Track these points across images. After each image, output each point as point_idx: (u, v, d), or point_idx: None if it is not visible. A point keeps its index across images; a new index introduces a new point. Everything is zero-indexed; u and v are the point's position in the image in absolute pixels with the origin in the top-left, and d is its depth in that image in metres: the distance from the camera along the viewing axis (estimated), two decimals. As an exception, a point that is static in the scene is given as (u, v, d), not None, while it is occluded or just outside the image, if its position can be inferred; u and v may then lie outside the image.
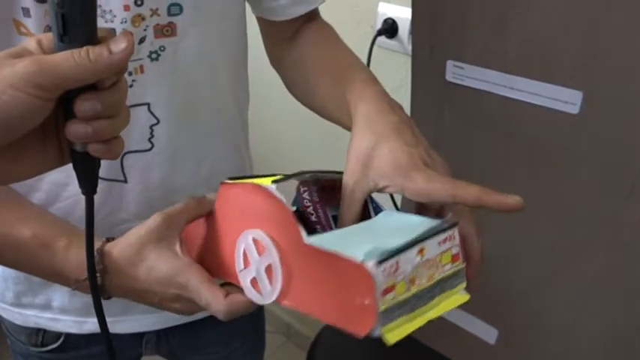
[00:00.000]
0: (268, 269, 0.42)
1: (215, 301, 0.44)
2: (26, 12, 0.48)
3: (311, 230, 0.45)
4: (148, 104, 0.54)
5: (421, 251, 0.38)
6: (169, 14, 0.52)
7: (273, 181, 0.42)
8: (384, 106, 0.50)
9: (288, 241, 0.41)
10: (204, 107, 0.59)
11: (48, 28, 0.48)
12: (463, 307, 0.40)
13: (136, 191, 0.58)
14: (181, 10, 0.52)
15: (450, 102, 0.81)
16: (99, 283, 0.45)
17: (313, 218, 0.47)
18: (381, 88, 0.54)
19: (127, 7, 0.49)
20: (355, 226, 0.45)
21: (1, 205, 0.49)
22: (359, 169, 0.46)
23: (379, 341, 0.36)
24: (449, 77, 0.79)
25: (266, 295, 0.42)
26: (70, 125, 0.35)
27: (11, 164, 0.37)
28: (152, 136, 0.56)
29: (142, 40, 0.51)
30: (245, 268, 0.44)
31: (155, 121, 0.55)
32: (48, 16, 0.47)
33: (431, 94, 0.83)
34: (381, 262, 0.35)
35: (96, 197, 0.39)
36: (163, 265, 0.46)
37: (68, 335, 0.70)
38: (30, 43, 0.35)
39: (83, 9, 0.34)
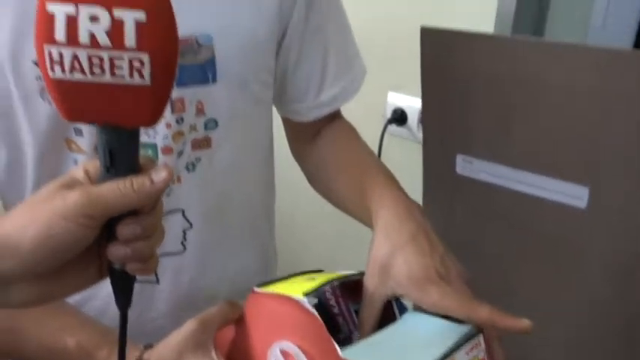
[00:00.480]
0: None
1: None
2: (78, 132, 0.52)
3: (334, 323, 0.48)
4: (183, 210, 0.57)
5: None
6: (206, 129, 0.56)
7: (305, 294, 0.45)
8: (402, 212, 0.53)
9: (320, 352, 0.43)
10: (234, 211, 0.62)
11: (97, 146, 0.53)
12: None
13: (166, 292, 0.60)
14: (217, 124, 0.57)
15: (460, 194, 0.84)
16: None
17: (336, 311, 0.50)
18: (400, 192, 0.57)
19: (168, 125, 0.53)
20: (383, 333, 0.47)
21: (46, 313, 0.51)
22: (377, 275, 0.49)
23: None
24: (459, 170, 0.83)
25: None
26: (111, 247, 0.39)
27: (55, 285, 0.39)
28: (185, 239, 0.59)
29: (180, 154, 0.55)
30: None
31: (188, 226, 0.59)
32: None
33: (442, 185, 0.87)
34: None
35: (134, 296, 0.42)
36: None
37: None
38: (78, 173, 0.39)
39: (129, 144, 0.39)
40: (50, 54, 0.35)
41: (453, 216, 0.86)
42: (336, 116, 0.71)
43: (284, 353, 0.46)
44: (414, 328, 0.47)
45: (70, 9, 0.34)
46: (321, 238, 1.35)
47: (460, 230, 0.85)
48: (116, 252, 0.39)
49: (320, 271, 0.57)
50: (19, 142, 0.53)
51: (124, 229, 0.38)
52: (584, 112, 0.69)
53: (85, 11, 0.34)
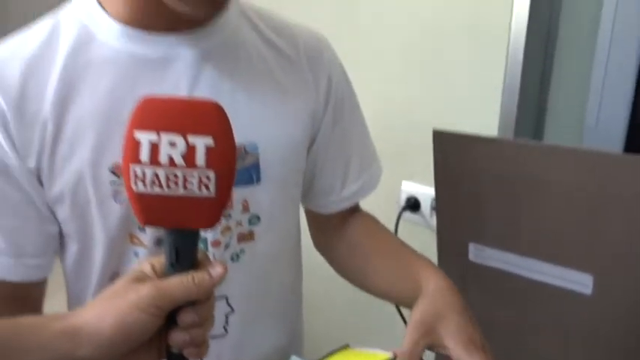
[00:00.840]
0: None
1: None
2: (141, 229, 0.60)
3: None
4: (226, 297, 0.64)
5: None
6: (250, 224, 0.64)
7: None
8: (448, 286, 0.63)
9: None
10: (270, 294, 0.69)
11: (157, 240, 0.60)
12: None
13: None
14: (259, 220, 0.65)
15: (473, 278, 0.90)
16: None
17: None
18: (441, 271, 0.65)
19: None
20: None
21: None
22: (421, 332, 0.57)
23: None
24: (471, 257, 0.90)
25: None
26: (172, 334, 0.46)
27: None
28: (227, 323, 0.65)
29: (227, 246, 0.63)
30: None
31: (230, 310, 0.65)
32: (161, 231, 0.60)
33: (455, 270, 0.93)
34: None
35: None
36: None
37: None
38: (146, 268, 0.47)
39: (191, 244, 0.47)
40: (135, 172, 0.43)
41: (466, 299, 0.91)
42: (356, 207, 0.79)
43: None
44: None
45: (153, 137, 0.43)
46: (331, 306, 1.39)
47: (474, 313, 0.90)
48: (177, 338, 0.46)
49: (347, 345, 0.65)
50: (90, 239, 0.60)
51: (185, 318, 0.45)
52: (584, 208, 0.77)
53: (165, 138, 0.43)
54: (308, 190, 0.74)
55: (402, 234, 1.12)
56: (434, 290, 0.63)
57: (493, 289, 0.88)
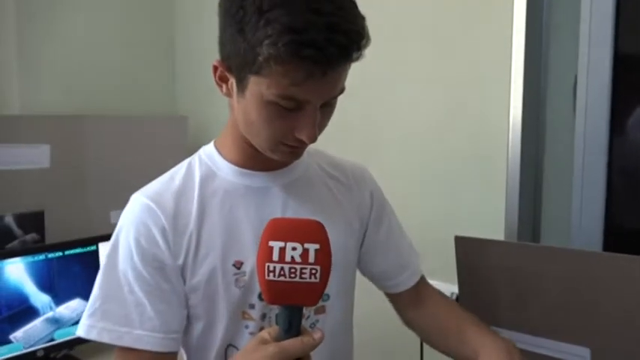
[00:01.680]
0: None
1: None
2: (252, 306, 0.83)
3: None
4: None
5: None
6: (322, 301, 0.87)
7: None
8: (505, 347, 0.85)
9: None
10: (338, 352, 0.90)
11: (263, 315, 0.82)
12: None
13: None
14: (329, 298, 0.87)
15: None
16: None
17: None
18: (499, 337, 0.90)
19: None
20: None
21: None
22: None
23: None
24: (491, 338, 1.10)
25: None
26: None
27: None
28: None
29: (308, 317, 0.85)
30: None
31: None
32: (266, 308, 0.82)
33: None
34: None
35: None
36: None
37: None
38: (265, 335, 0.66)
39: (299, 316, 0.67)
40: (268, 267, 0.65)
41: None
42: (423, 279, 1.02)
43: None
44: None
45: (281, 244, 0.66)
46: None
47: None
48: None
49: None
50: (215, 316, 0.82)
51: None
52: (579, 295, 0.99)
53: (289, 245, 0.66)
54: (373, 277, 1.00)
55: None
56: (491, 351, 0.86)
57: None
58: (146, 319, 0.78)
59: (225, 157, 0.86)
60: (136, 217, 0.81)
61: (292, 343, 0.64)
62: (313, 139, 0.76)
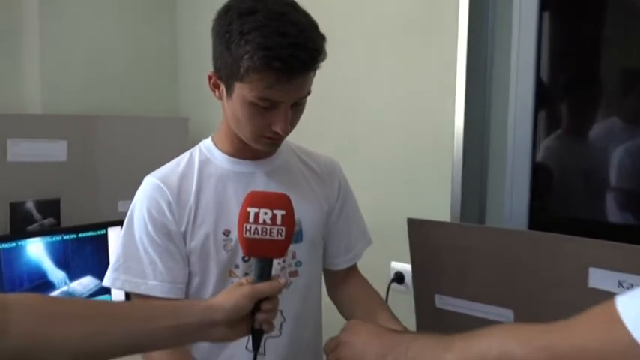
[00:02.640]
0: None
1: None
2: (237, 266, 1.05)
3: None
4: (281, 310, 1.07)
5: None
6: (295, 266, 1.09)
7: None
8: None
9: None
10: (310, 310, 1.12)
11: (245, 274, 1.04)
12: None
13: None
14: (301, 264, 1.10)
15: (439, 320, 1.32)
16: None
17: None
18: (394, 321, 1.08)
19: (279, 263, 1.06)
20: None
21: None
22: None
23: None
24: (437, 305, 1.32)
25: None
26: (257, 315, 0.84)
27: (232, 331, 0.83)
28: (281, 328, 1.07)
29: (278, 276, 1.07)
30: None
31: (283, 320, 1.08)
32: (248, 268, 1.04)
33: (429, 314, 1.35)
34: None
35: None
36: None
37: None
38: (242, 280, 0.86)
39: (269, 266, 0.87)
40: (245, 227, 0.87)
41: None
42: (355, 269, 1.24)
43: None
44: None
45: (256, 210, 0.87)
46: None
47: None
48: (259, 317, 0.84)
49: None
50: (207, 274, 1.04)
51: (265, 305, 0.84)
52: (506, 266, 1.21)
53: (262, 211, 0.87)
54: (325, 252, 1.20)
55: (392, 299, 1.55)
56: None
57: (453, 325, 1.30)
58: (158, 273, 1.00)
59: (219, 149, 1.09)
60: (148, 194, 1.03)
61: (263, 285, 0.84)
62: (286, 132, 0.98)
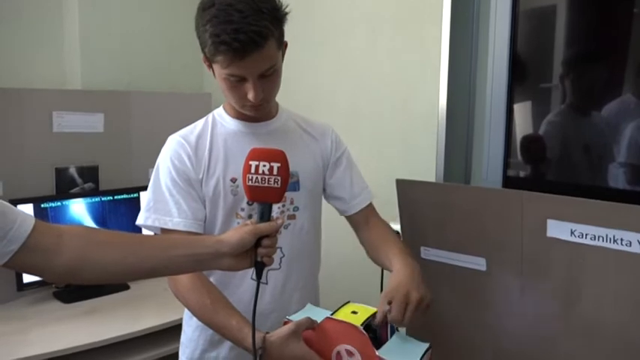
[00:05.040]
0: None
1: None
2: (242, 209, 1.25)
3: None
4: (281, 248, 1.27)
5: None
6: (293, 210, 1.28)
7: (362, 324, 1.02)
8: (406, 269, 1.14)
9: (368, 351, 1.03)
10: (305, 249, 1.31)
11: (249, 216, 1.24)
12: None
13: (270, 289, 1.27)
14: (298, 209, 1.29)
15: (423, 269, 1.49)
16: (260, 354, 1.05)
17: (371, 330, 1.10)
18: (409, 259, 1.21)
19: (279, 208, 1.26)
20: (392, 341, 1.07)
21: (224, 307, 1.13)
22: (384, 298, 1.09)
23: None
24: (423, 256, 1.50)
25: None
26: (259, 249, 1.02)
27: (238, 262, 1.01)
28: (281, 262, 1.27)
29: (277, 219, 1.26)
30: None
31: (282, 255, 1.27)
32: (252, 211, 1.24)
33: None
34: None
35: (252, 294, 1.02)
36: (299, 351, 1.01)
37: None
38: (247, 221, 1.05)
39: (269, 210, 1.04)
40: (248, 177, 1.05)
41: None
42: (372, 212, 1.37)
43: (346, 351, 1.04)
44: (402, 340, 1.08)
45: (256, 163, 1.05)
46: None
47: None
48: (261, 252, 1.02)
49: (348, 302, 1.11)
50: (215, 216, 1.24)
51: (266, 241, 1.03)
52: (480, 219, 1.38)
53: (262, 163, 1.04)
54: (334, 202, 1.37)
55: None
56: (396, 273, 1.13)
57: (435, 273, 1.48)
58: (182, 212, 1.20)
59: (228, 113, 1.29)
60: (172, 148, 1.23)
61: (264, 225, 1.00)
62: (257, 99, 1.14)
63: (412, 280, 1.11)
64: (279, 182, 1.01)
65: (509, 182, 1.46)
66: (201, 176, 1.23)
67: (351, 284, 1.82)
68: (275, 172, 1.01)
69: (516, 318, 1.34)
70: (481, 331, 1.41)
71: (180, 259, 0.95)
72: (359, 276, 1.81)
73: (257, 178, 1.00)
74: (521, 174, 1.49)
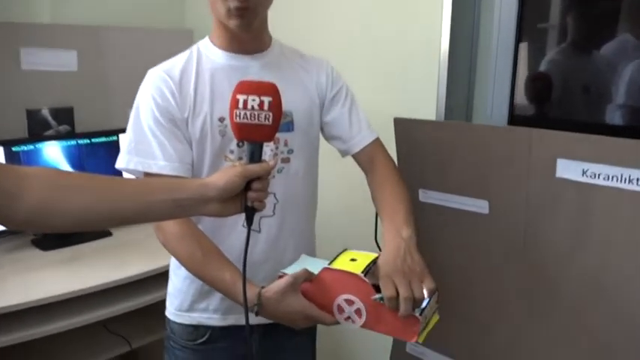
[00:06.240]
0: (357, 311, 0.99)
1: (328, 318, 1.01)
2: (231, 151, 1.15)
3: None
4: (274, 193, 1.18)
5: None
6: (287, 153, 1.19)
7: (363, 272, 0.96)
8: (400, 242, 1.04)
9: (367, 298, 0.98)
10: (300, 195, 1.23)
11: (239, 158, 1.15)
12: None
13: (263, 237, 1.19)
14: (293, 151, 1.20)
15: (422, 212, 1.43)
16: (256, 310, 0.99)
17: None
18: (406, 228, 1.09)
19: (272, 150, 1.16)
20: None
21: (216, 258, 1.06)
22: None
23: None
24: (421, 199, 1.43)
25: (357, 323, 0.99)
26: (249, 193, 0.92)
27: (226, 207, 0.91)
28: (274, 209, 1.19)
29: (272, 159, 1.17)
30: (340, 313, 1.00)
31: (276, 201, 1.19)
32: (242, 153, 1.14)
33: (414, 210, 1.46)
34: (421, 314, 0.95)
35: (243, 242, 0.93)
36: (298, 305, 0.98)
37: (213, 332, 1.23)
38: (236, 163, 0.95)
39: (260, 150, 0.94)
40: (235, 112, 0.95)
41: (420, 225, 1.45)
42: (377, 156, 1.24)
43: (347, 301, 0.99)
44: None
45: (245, 97, 0.95)
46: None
47: (423, 232, 1.43)
48: (251, 195, 0.92)
49: (346, 249, 1.06)
50: (203, 159, 1.14)
51: (256, 184, 0.92)
52: (483, 160, 1.30)
53: (250, 97, 0.94)
54: (334, 141, 1.26)
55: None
56: (388, 249, 1.04)
57: (435, 217, 1.41)
58: (167, 154, 1.10)
59: (215, 45, 1.17)
60: (153, 83, 1.12)
61: (254, 166, 0.91)
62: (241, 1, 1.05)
63: (405, 252, 1.03)
64: (270, 119, 0.91)
65: (516, 121, 1.38)
66: (186, 115, 1.12)
67: (347, 230, 1.75)
68: (266, 107, 0.90)
69: (518, 263, 1.29)
70: (482, 277, 1.36)
71: (161, 205, 0.85)
72: (355, 222, 1.74)
73: (245, 114, 0.90)
74: (530, 112, 1.40)
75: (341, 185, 1.74)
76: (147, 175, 1.11)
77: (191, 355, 1.25)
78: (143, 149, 1.10)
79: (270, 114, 0.91)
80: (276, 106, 0.91)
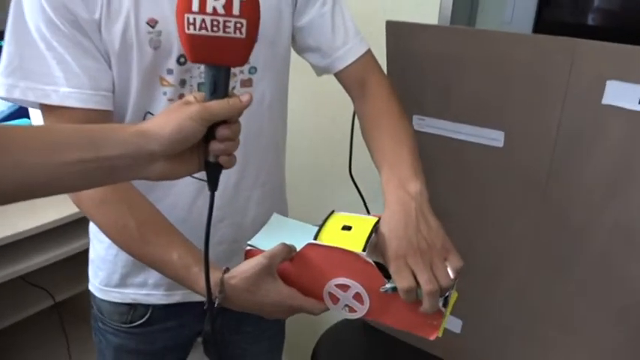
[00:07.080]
0: (357, 297, 0.71)
1: (317, 305, 0.73)
2: (169, 71, 0.79)
3: None
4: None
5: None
6: (249, 73, 0.85)
7: (364, 249, 0.68)
8: (404, 204, 0.75)
9: (373, 285, 0.70)
10: (265, 130, 0.91)
11: (182, 81, 0.79)
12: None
13: (220, 192, 0.86)
14: (256, 70, 0.85)
15: (418, 144, 1.14)
16: (219, 303, 0.71)
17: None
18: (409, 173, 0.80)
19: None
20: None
21: (158, 232, 0.75)
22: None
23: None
24: (416, 127, 1.13)
25: (359, 311, 0.72)
26: (212, 144, 0.60)
27: (177, 167, 0.60)
28: (232, 154, 0.86)
29: (232, 89, 0.83)
30: (334, 303, 0.74)
31: (235, 143, 0.86)
32: (185, 74, 0.79)
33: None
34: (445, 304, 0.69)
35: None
36: (276, 294, 0.72)
37: (153, 311, 0.94)
38: (190, 98, 0.61)
39: (226, 78, 0.61)
40: (187, 19, 0.58)
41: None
42: (371, 72, 0.94)
43: (339, 286, 0.71)
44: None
45: None
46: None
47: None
48: (215, 147, 0.61)
49: (333, 211, 0.78)
50: (128, 80, 0.79)
51: (222, 131, 0.60)
52: (498, 80, 1.00)
53: None
54: (310, 54, 0.93)
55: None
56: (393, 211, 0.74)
57: (432, 151, 1.12)
58: (72, 76, 0.74)
59: None
60: None
61: (217, 103, 0.59)
62: None
63: (412, 220, 0.73)
64: (243, 30, 0.58)
65: (542, 29, 1.07)
66: (97, 16, 0.75)
67: (324, 181, 1.44)
68: (236, 10, 0.57)
69: (537, 207, 1.03)
70: (489, 225, 1.10)
71: (74, 168, 0.54)
72: (328, 153, 1.43)
73: (204, 20, 0.57)
74: (565, 17, 1.08)
75: (315, 117, 1.40)
76: (45, 108, 0.75)
77: (127, 340, 0.97)
78: (33, 69, 0.74)
79: (243, 21, 0.58)
80: (253, 8, 0.59)
